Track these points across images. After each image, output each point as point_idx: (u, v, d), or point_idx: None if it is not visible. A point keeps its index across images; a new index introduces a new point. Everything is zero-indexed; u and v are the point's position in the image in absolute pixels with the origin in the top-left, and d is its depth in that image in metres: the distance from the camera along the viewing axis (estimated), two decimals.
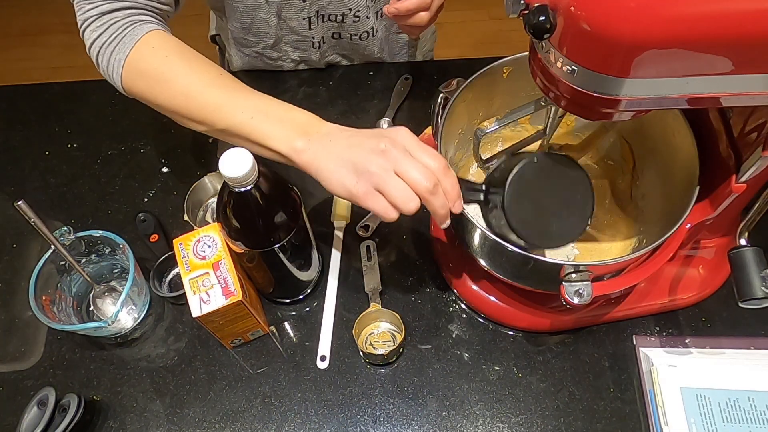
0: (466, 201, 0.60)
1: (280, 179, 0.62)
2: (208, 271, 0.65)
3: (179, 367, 0.74)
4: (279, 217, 0.62)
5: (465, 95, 0.67)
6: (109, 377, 0.74)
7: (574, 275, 0.57)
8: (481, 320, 0.76)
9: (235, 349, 0.75)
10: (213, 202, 0.87)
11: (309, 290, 0.78)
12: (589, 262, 0.57)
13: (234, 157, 0.55)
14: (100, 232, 0.74)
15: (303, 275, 0.75)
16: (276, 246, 0.63)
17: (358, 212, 0.85)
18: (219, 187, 0.86)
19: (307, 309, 0.77)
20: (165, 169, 0.90)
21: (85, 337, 0.77)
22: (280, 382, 0.72)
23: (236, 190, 0.56)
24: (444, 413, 0.69)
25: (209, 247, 0.66)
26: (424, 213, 0.83)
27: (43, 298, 0.72)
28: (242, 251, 0.65)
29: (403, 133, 0.56)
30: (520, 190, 0.60)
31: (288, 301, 0.78)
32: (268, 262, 0.67)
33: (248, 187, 0.56)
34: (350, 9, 0.88)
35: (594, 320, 0.73)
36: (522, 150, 0.71)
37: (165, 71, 0.63)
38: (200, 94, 0.61)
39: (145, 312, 0.77)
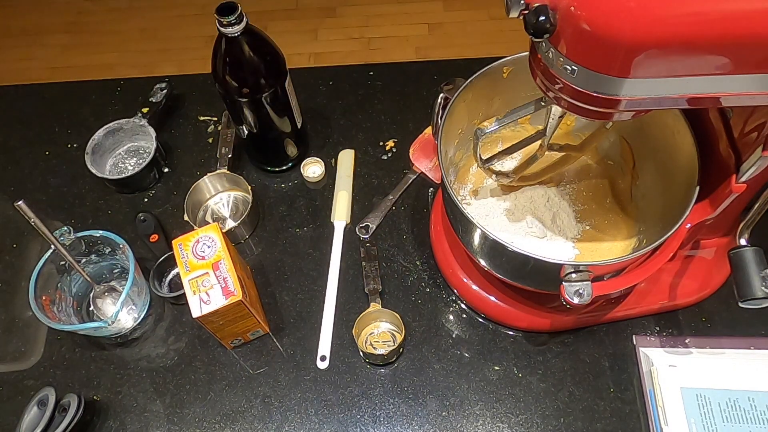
0: None
1: (267, 39, 0.72)
2: (207, 271, 0.65)
3: (179, 367, 0.74)
4: (264, 69, 0.73)
5: (465, 95, 0.67)
6: (109, 377, 0.74)
7: (574, 275, 0.57)
8: (481, 320, 0.76)
9: (235, 349, 0.75)
10: (213, 202, 0.87)
11: (291, 164, 0.89)
12: (589, 262, 0.57)
13: (226, 6, 0.66)
14: (100, 232, 0.74)
15: (287, 145, 0.85)
16: (262, 96, 0.74)
17: (358, 212, 0.85)
18: (219, 187, 0.86)
19: (308, 308, 0.78)
20: (165, 169, 0.91)
21: (85, 337, 0.77)
22: (280, 382, 0.72)
23: (228, 34, 0.67)
24: (444, 413, 0.69)
25: (209, 247, 0.66)
26: (423, 213, 0.84)
27: (43, 298, 0.72)
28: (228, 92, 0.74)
29: None
30: None
31: (268, 169, 0.88)
32: (256, 115, 0.77)
33: (237, 33, 0.67)
34: None
35: (594, 320, 0.73)
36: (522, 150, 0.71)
37: None
38: None
39: (145, 312, 0.77)
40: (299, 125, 0.85)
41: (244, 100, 0.75)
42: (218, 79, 0.73)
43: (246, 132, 0.82)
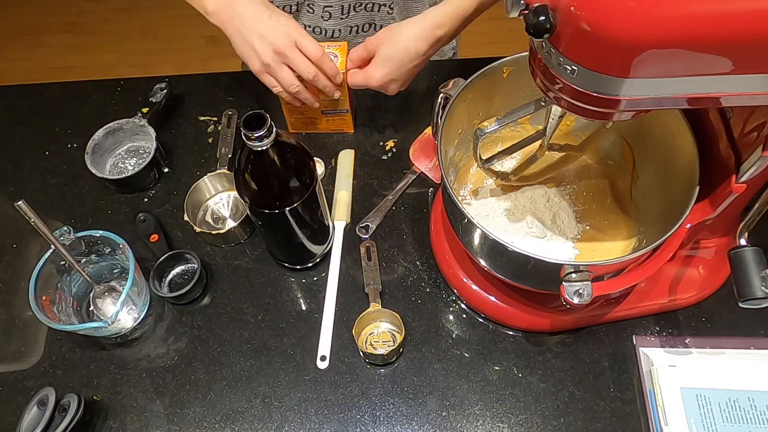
0: None
1: (296, 146, 0.66)
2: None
3: (179, 367, 0.74)
4: (292, 181, 0.66)
5: (465, 95, 0.67)
6: (109, 377, 0.74)
7: (574, 275, 0.57)
8: (481, 320, 0.76)
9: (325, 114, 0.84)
10: (213, 202, 0.87)
11: (318, 260, 0.81)
12: (589, 262, 0.57)
13: (254, 117, 0.60)
14: (100, 232, 0.74)
15: (312, 246, 0.78)
16: (287, 209, 0.67)
17: (358, 212, 0.85)
18: (219, 187, 0.86)
19: (308, 308, 0.78)
20: (165, 169, 0.91)
21: (85, 337, 0.77)
22: (280, 382, 0.72)
23: (256, 148, 0.61)
24: (444, 413, 0.69)
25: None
26: (423, 213, 0.83)
27: (43, 298, 0.72)
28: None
29: (293, 31, 0.75)
30: None
31: (298, 267, 0.81)
32: (280, 226, 0.71)
33: (265, 147, 0.61)
34: None
35: (594, 320, 0.73)
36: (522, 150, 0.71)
37: None
38: None
39: (145, 312, 0.77)
40: (327, 224, 0.79)
41: (271, 212, 0.67)
42: (242, 192, 0.67)
43: (269, 235, 0.76)
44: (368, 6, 0.92)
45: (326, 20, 0.93)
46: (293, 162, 0.66)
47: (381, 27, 0.95)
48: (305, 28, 0.94)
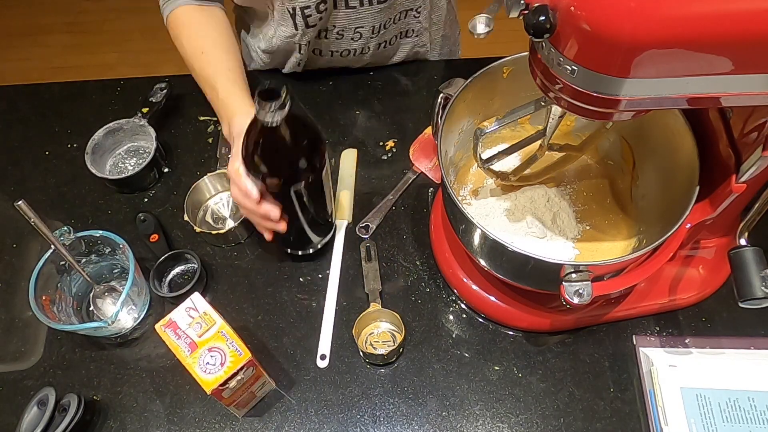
0: None
1: (309, 123, 0.64)
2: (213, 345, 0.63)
3: (179, 367, 0.74)
4: (302, 159, 0.63)
5: (465, 95, 0.67)
6: (109, 377, 0.74)
7: (574, 275, 0.57)
8: (481, 320, 0.76)
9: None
10: (213, 202, 0.87)
11: (319, 247, 0.80)
12: (589, 262, 0.57)
13: (269, 91, 0.56)
14: (100, 232, 0.74)
15: (314, 233, 0.77)
16: (293, 187, 0.65)
17: (358, 212, 0.85)
18: (219, 187, 0.86)
19: (308, 308, 0.78)
20: (165, 169, 0.91)
21: (85, 337, 0.77)
22: (280, 382, 0.72)
23: (269, 124, 0.57)
24: (444, 413, 0.69)
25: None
26: (423, 213, 0.83)
27: (43, 298, 0.72)
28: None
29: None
30: None
31: (299, 253, 0.80)
32: (287, 199, 0.68)
33: (278, 122, 0.57)
34: None
35: (594, 320, 0.73)
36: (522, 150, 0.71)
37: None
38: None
39: (145, 312, 0.77)
40: (330, 213, 0.78)
41: (276, 191, 0.67)
42: (249, 166, 0.65)
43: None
44: (396, 18, 0.90)
45: (356, 41, 0.91)
46: (307, 138, 0.63)
47: (408, 33, 0.94)
48: (332, 54, 0.93)
